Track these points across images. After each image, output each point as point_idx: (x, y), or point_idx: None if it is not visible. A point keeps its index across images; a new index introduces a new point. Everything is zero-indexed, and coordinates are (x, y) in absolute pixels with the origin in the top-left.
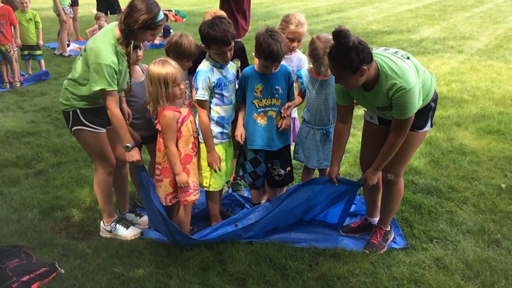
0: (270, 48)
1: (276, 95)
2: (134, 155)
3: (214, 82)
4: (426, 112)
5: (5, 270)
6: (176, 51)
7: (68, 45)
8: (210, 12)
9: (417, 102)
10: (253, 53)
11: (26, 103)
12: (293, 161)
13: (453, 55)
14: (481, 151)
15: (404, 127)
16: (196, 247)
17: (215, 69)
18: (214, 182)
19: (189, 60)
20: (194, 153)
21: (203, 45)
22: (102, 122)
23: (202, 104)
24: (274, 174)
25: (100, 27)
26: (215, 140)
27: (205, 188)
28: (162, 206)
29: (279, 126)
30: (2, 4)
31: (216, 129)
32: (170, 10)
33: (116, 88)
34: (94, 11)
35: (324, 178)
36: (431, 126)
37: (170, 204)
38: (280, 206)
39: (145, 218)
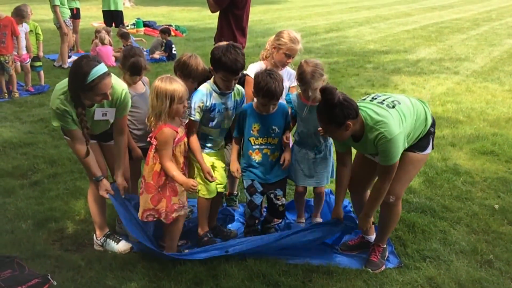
0: (268, 86)
1: (273, 135)
2: (102, 187)
3: (207, 106)
4: (427, 136)
5: None
6: (182, 70)
7: (69, 57)
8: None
9: (401, 149)
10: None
11: (24, 113)
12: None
13: (449, 76)
14: (475, 171)
15: (389, 173)
16: (189, 262)
17: (214, 93)
18: (203, 189)
19: (194, 82)
20: (183, 172)
21: (211, 68)
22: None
23: (192, 122)
24: (278, 204)
25: (101, 40)
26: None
27: (198, 196)
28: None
29: (281, 162)
30: (5, 15)
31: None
32: (170, 25)
33: (72, 127)
34: (95, 24)
35: (327, 221)
36: (432, 148)
37: (146, 220)
38: (275, 242)
39: None
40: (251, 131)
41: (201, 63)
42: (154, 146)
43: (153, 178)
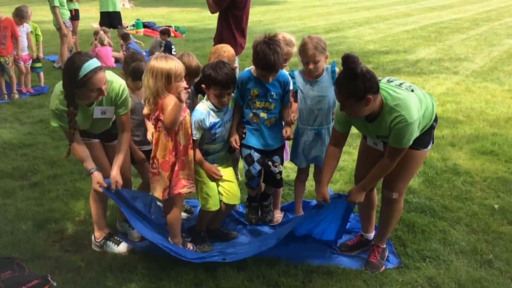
0: (267, 58)
1: (270, 100)
2: (94, 179)
3: (207, 125)
4: (430, 131)
5: None
6: None
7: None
8: (219, 48)
9: (415, 134)
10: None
11: (23, 115)
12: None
13: (448, 76)
14: (474, 171)
15: (399, 154)
16: (189, 262)
17: (212, 112)
18: (205, 202)
19: (190, 79)
20: (190, 146)
21: (203, 86)
22: (91, 133)
23: (193, 141)
24: (276, 172)
25: (100, 41)
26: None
27: (201, 207)
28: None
29: (283, 134)
30: (5, 17)
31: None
32: (170, 26)
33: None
34: (95, 25)
35: (316, 205)
36: (433, 142)
37: (167, 197)
38: (272, 243)
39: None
40: (250, 95)
41: (194, 59)
42: (162, 124)
43: (169, 156)
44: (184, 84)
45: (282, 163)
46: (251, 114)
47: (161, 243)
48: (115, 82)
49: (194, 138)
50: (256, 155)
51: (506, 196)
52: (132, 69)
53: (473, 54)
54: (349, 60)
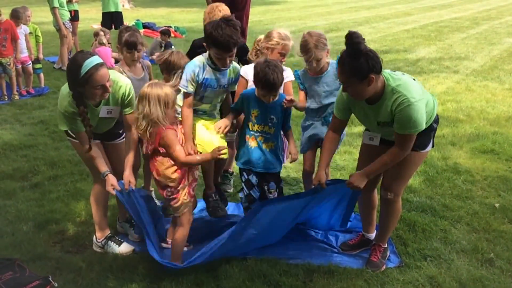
0: (267, 77)
1: (270, 124)
2: (108, 181)
3: (199, 79)
4: (429, 133)
5: None
6: (167, 69)
7: (69, 59)
8: (215, 7)
9: (421, 119)
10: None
11: (24, 116)
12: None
13: (448, 75)
14: (475, 170)
15: (407, 141)
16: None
17: (208, 68)
18: (204, 150)
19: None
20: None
21: (204, 44)
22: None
23: (186, 95)
24: (270, 198)
25: (100, 42)
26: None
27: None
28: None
29: (287, 158)
30: (6, 19)
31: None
32: (170, 27)
33: (80, 129)
34: (95, 26)
35: (312, 188)
36: (433, 146)
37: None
38: (270, 221)
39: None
40: (250, 116)
41: (184, 58)
42: (160, 153)
43: (177, 178)
44: (175, 108)
45: (277, 189)
46: (247, 136)
47: (163, 261)
48: (121, 81)
49: (185, 90)
50: (254, 180)
51: (507, 194)
52: (126, 38)
53: (473, 53)
54: (353, 37)
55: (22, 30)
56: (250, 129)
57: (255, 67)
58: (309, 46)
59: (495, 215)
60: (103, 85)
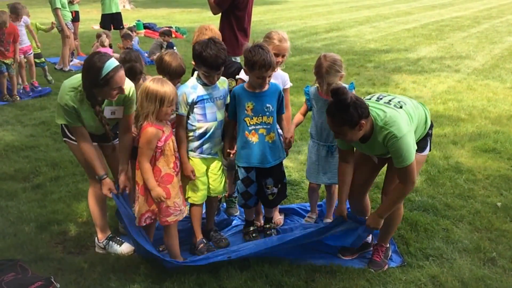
0: (263, 57)
1: (267, 113)
2: (105, 185)
3: (193, 99)
4: (426, 138)
5: (1, 284)
6: (159, 66)
7: (71, 60)
8: (203, 27)
9: (412, 148)
10: (244, 71)
11: (25, 117)
12: (290, 177)
13: (449, 74)
14: (477, 169)
15: (408, 174)
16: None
17: (199, 86)
18: (193, 195)
19: (172, 79)
20: (176, 172)
21: (193, 62)
22: (90, 136)
23: (178, 117)
24: (268, 193)
25: (102, 44)
26: (193, 154)
27: (188, 200)
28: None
29: (286, 142)
30: (10, 23)
31: (195, 144)
32: (170, 27)
33: (78, 124)
34: (96, 27)
35: (334, 221)
36: (430, 150)
37: (145, 224)
38: (279, 245)
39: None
40: (245, 111)
41: (177, 60)
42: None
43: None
44: (172, 108)
45: (276, 184)
46: (247, 132)
47: (162, 258)
48: (126, 84)
49: (178, 112)
50: (254, 177)
51: (509, 193)
52: (126, 70)
53: (474, 52)
54: (338, 92)
55: (22, 23)
56: (248, 124)
57: (246, 52)
58: (322, 71)
59: (497, 214)
60: (120, 87)
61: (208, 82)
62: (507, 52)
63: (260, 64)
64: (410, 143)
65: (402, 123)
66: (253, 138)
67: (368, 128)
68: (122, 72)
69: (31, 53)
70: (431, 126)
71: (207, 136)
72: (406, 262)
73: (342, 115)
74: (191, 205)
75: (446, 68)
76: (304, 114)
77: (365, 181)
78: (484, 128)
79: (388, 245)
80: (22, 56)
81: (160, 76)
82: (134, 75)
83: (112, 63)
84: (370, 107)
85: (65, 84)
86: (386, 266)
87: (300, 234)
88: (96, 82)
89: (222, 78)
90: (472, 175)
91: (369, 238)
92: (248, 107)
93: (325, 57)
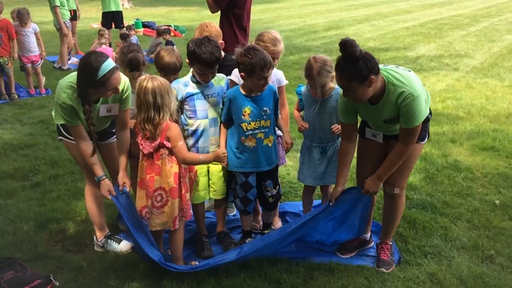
0: (262, 57)
1: (265, 117)
2: (104, 186)
3: (183, 95)
4: (426, 123)
5: (0, 282)
6: (155, 61)
7: (69, 58)
8: (204, 25)
9: (424, 111)
10: (241, 77)
11: (24, 115)
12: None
13: (448, 73)
14: (475, 167)
15: (412, 135)
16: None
17: (190, 83)
18: (193, 195)
19: (166, 74)
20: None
21: (187, 61)
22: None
23: None
24: (268, 195)
25: (101, 43)
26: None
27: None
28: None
29: (285, 148)
30: (3, 17)
31: (190, 142)
32: (169, 26)
33: (77, 123)
34: (94, 25)
35: (326, 207)
36: (428, 136)
37: (147, 217)
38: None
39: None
40: (242, 116)
41: (172, 56)
42: (165, 149)
43: (175, 181)
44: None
45: (275, 186)
46: (243, 138)
47: (163, 262)
48: (121, 79)
49: None
50: (252, 181)
51: (507, 191)
52: (129, 60)
53: (473, 50)
54: (347, 45)
55: (31, 29)
56: (245, 130)
57: (241, 57)
58: (312, 73)
59: (495, 212)
60: (116, 88)
61: (201, 80)
62: (506, 51)
63: (261, 65)
64: (423, 103)
65: (416, 83)
66: (250, 143)
67: (378, 87)
68: (118, 74)
69: (39, 64)
70: (430, 111)
71: (199, 133)
72: (405, 259)
73: (351, 68)
74: (193, 205)
75: (445, 67)
76: (300, 110)
77: (372, 173)
78: (482, 126)
79: (391, 242)
80: (30, 65)
81: (148, 74)
82: (138, 64)
83: (109, 64)
84: (380, 68)
85: (61, 82)
86: (394, 264)
87: (305, 219)
88: (91, 82)
89: (220, 75)
90: (471, 173)
91: (367, 235)
92: (245, 112)
93: (315, 59)
